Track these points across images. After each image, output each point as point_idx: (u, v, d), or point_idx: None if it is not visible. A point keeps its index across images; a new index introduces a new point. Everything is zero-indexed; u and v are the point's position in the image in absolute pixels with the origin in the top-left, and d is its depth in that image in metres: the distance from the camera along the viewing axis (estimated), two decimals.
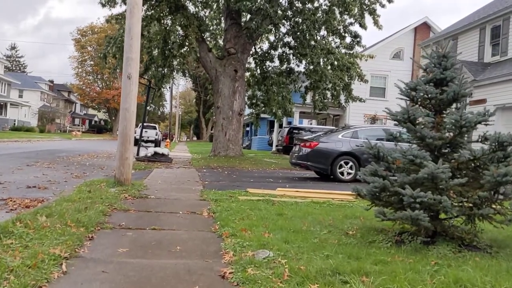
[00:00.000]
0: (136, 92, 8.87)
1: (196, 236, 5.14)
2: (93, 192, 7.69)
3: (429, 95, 5.05)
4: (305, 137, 13.43)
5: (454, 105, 5.29)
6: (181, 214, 6.48)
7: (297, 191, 9.18)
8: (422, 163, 4.77)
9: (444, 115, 5.23)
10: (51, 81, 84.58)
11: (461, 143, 5.08)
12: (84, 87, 75.48)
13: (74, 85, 79.22)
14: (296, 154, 12.74)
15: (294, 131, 25.35)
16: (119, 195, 7.65)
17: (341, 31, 18.57)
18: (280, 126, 32.47)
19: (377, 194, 5.15)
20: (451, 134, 5.13)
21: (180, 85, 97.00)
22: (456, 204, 4.80)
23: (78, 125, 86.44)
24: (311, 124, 36.06)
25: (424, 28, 29.54)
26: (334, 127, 26.43)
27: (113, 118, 77.01)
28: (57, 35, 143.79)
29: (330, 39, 19.16)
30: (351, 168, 12.00)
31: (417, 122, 5.07)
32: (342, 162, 11.98)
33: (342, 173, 11.99)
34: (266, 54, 20.44)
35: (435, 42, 23.03)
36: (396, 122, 5.76)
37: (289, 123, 32.86)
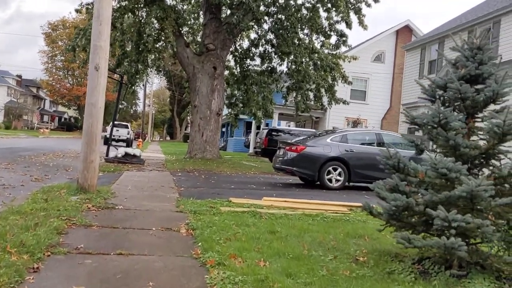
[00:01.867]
0: (105, 85, 7.76)
1: (174, 265, 4.10)
2: (51, 201, 6.55)
3: (463, 95, 4.14)
4: (290, 141, 12.48)
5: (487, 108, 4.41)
6: (155, 231, 5.42)
7: (285, 201, 8.21)
8: (457, 178, 3.84)
9: (478, 119, 4.33)
10: (19, 76, 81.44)
11: (498, 154, 4.19)
12: (54, 83, 72.92)
13: (44, 81, 76.48)
14: (280, 159, 11.78)
15: (273, 133, 24.37)
16: (81, 205, 6.53)
17: (327, 29, 17.71)
18: (258, 127, 31.51)
19: (396, 214, 4.21)
20: (485, 142, 4.24)
21: (154, 84, 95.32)
22: (495, 228, 3.90)
23: (47, 122, 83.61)
24: (289, 126, 35.23)
25: (406, 31, 29.03)
26: (314, 130, 25.63)
27: (83, 115, 74.45)
28: (28, 30, 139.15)
29: (314, 38, 18.31)
30: (339, 174, 11.11)
31: (448, 127, 4.13)
32: (330, 168, 11.07)
33: (330, 180, 11.09)
34: (247, 51, 19.42)
35: (420, 45, 22.48)
36: (413, 126, 4.81)
37: (267, 124, 31.97)
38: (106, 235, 5.03)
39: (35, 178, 10.70)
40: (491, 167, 4.20)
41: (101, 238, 4.87)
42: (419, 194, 4.23)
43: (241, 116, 23.63)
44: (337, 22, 17.54)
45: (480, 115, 4.38)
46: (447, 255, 3.82)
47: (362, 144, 11.75)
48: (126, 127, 40.29)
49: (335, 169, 11.11)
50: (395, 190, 4.19)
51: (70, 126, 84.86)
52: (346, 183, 11.25)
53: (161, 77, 79.91)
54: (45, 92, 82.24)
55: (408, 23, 28.93)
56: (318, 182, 11.29)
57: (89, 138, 7.59)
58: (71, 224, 5.33)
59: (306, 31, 17.76)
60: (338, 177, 11.12)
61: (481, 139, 4.31)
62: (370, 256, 4.69)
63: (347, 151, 11.22)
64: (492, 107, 4.33)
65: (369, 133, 12.48)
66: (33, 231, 4.54)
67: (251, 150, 31.06)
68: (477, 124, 4.39)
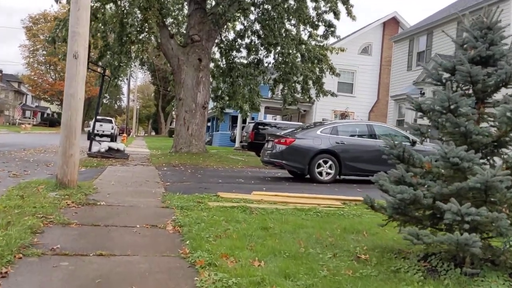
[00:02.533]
0: (84, 74, 7.31)
1: (160, 266, 3.73)
2: (27, 198, 6.11)
3: (473, 78, 3.82)
4: (279, 133, 12.12)
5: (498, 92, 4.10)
6: (139, 228, 5.03)
7: (276, 195, 7.86)
8: (469, 168, 3.52)
9: (489, 105, 4.02)
10: (0, 71, 79.76)
11: (510, 142, 3.88)
12: (35, 78, 71.48)
13: (25, 76, 74.94)
14: (269, 152, 11.42)
15: (260, 127, 24.00)
16: (60, 201, 6.10)
17: (314, 20, 17.34)
18: (244, 121, 31.11)
19: (402, 208, 3.88)
20: (497, 129, 3.93)
21: (139, 78, 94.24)
22: (510, 222, 3.59)
23: (29, 118, 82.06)
24: (275, 119, 34.89)
25: (393, 23, 28.83)
26: (301, 123, 25.32)
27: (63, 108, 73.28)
28: (9, 25, 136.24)
29: (301, 29, 17.92)
30: (330, 167, 10.79)
31: (458, 113, 3.80)
32: (321, 161, 10.74)
33: (320, 173, 10.76)
34: (234, 42, 18.95)
35: (408, 36, 22.27)
36: (420, 111, 4.46)
37: (252, 118, 31.60)
38: (86, 234, 4.63)
39: (13, 173, 10.19)
40: (503, 156, 3.89)
41: (80, 238, 4.47)
42: (425, 186, 3.91)
43: (227, 110, 23.21)
44: (325, 12, 17.19)
45: (489, 100, 4.07)
46: (459, 251, 3.51)
47: (353, 136, 11.45)
48: (110, 122, 39.56)
49: (325, 162, 10.79)
50: (401, 182, 3.86)
51: (53, 122, 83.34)
52: (337, 177, 10.94)
53: (145, 72, 78.99)
54: (26, 87, 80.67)
55: (395, 15, 28.74)
56: (308, 176, 10.97)
57: (68, 131, 7.14)
58: (48, 222, 4.91)
59: (293, 21, 17.35)
60: (329, 170, 10.81)
61: (491, 126, 4.00)
62: (371, 253, 4.36)
63: (338, 143, 10.91)
64: (503, 91, 4.02)
65: (360, 124, 12.18)
66: (4, 231, 4.13)
67: (237, 144, 30.67)
68: (487, 110, 4.07)
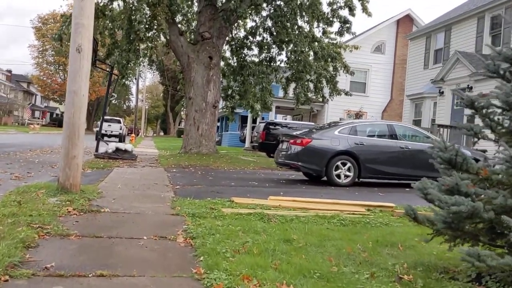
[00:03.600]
0: (89, 70, 6.77)
1: None
2: (24, 204, 5.58)
3: None
4: (295, 133, 11.53)
5: None
6: (146, 240, 4.47)
7: (294, 200, 7.27)
8: None
9: None
10: (9, 71, 79.81)
11: None
12: (45, 78, 71.43)
13: (34, 76, 74.92)
14: (284, 153, 10.83)
15: (271, 126, 23.43)
16: (60, 208, 5.57)
17: (329, 16, 16.71)
18: (254, 121, 30.54)
19: (455, 222, 3.28)
20: None
21: (147, 79, 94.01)
22: None
23: (38, 118, 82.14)
24: (285, 119, 34.28)
25: (407, 20, 28.11)
26: (314, 123, 24.69)
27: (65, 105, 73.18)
28: (20, 26, 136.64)
29: (314, 25, 17.29)
30: (349, 170, 10.19)
31: None
32: (339, 163, 10.14)
33: (338, 176, 10.17)
34: (245, 39, 18.36)
35: (425, 33, 21.58)
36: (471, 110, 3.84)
37: (262, 118, 31.04)
38: (86, 248, 4.07)
39: (16, 176, 9.72)
40: None
41: (80, 253, 3.92)
42: (483, 196, 3.31)
43: (236, 110, 22.69)
44: (340, 8, 16.57)
45: None
46: None
47: (373, 136, 10.85)
48: (119, 122, 39.21)
49: (344, 164, 10.19)
50: (454, 192, 3.26)
51: (61, 122, 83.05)
52: (356, 179, 10.34)
53: (154, 72, 78.79)
54: (36, 87, 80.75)
55: (409, 12, 28.01)
56: (326, 178, 10.38)
57: (71, 131, 6.61)
58: (44, 234, 4.37)
59: (306, 18, 16.72)
60: (348, 173, 10.21)
61: None
62: (414, 272, 3.77)
63: (357, 144, 10.30)
64: None
65: (380, 124, 11.55)
66: None
67: (247, 144, 30.10)
68: None
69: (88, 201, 6.33)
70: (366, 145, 10.33)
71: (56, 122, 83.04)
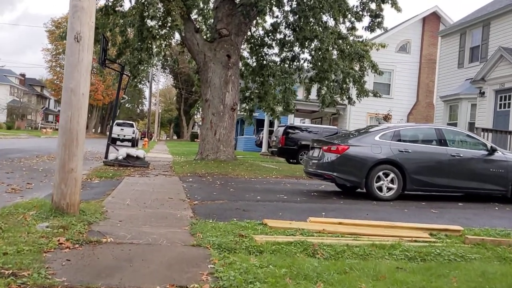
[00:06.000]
0: (90, 63, 5.53)
1: None
2: (5, 232, 4.38)
3: None
4: (329, 139, 10.18)
5: None
6: None
7: (340, 223, 5.93)
8: None
9: None
10: (23, 75, 79.57)
11: None
12: (58, 82, 70.94)
13: (48, 80, 74.54)
14: (315, 162, 9.48)
15: (290, 130, 22.12)
16: (50, 239, 4.32)
17: (358, 9, 15.35)
18: (271, 124, 29.25)
19: None
20: None
21: (161, 82, 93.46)
22: None
23: (52, 122, 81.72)
24: (303, 122, 32.92)
25: (433, 18, 26.62)
26: (336, 127, 23.32)
27: (89, 115, 72.96)
28: (35, 31, 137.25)
29: (340, 21, 15.92)
30: (392, 181, 8.81)
31: None
32: (380, 173, 8.77)
33: (380, 189, 8.80)
34: (267, 36, 17.02)
35: (459, 29, 20.10)
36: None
37: (280, 121, 29.71)
38: None
39: (12, 188, 8.56)
40: None
41: None
42: None
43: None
44: (370, 0, 15.21)
45: None
46: None
47: (419, 142, 9.47)
48: (132, 126, 38.17)
49: (386, 175, 8.82)
50: None
51: None
52: (400, 192, 8.96)
53: (167, 75, 78.02)
54: (49, 91, 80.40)
55: (436, 9, 26.52)
56: (364, 190, 9.02)
57: (67, 137, 5.37)
58: (18, 285, 3.11)
59: (332, 13, 15.36)
60: (391, 185, 8.83)
61: None
62: None
63: (401, 151, 8.92)
64: None
65: (426, 128, 10.10)
66: None
67: (263, 149, 28.81)
68: None
69: (87, 225, 5.09)
70: (412, 152, 8.95)
71: None
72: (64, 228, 4.75)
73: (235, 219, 6.04)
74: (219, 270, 3.75)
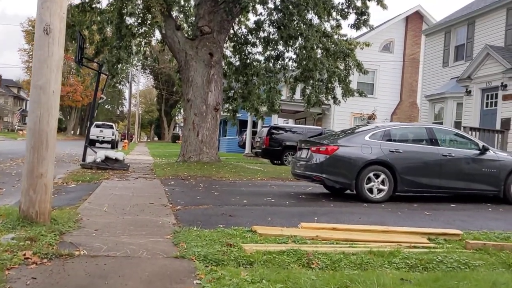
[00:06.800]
0: (61, 58, 5.05)
1: None
2: None
3: None
4: (317, 139, 9.81)
5: None
6: None
7: (333, 229, 5.56)
8: None
9: None
10: None
11: None
12: None
13: (25, 81, 72.83)
14: (303, 163, 9.10)
15: (274, 131, 21.73)
16: (15, 253, 3.85)
17: (344, 7, 15.05)
18: (254, 125, 28.84)
19: None
20: None
21: (141, 83, 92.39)
22: None
23: None
24: (287, 123, 32.58)
25: (416, 17, 26.54)
26: (321, 128, 23.02)
27: (68, 117, 71.67)
28: (13, 32, 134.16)
29: (325, 18, 15.59)
30: (383, 182, 8.49)
31: None
32: (371, 175, 8.43)
33: (370, 190, 8.46)
34: (251, 34, 16.58)
35: (443, 28, 19.98)
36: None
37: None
38: None
39: None
40: None
41: None
42: None
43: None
44: None
45: None
46: None
47: (409, 142, 9.17)
48: (111, 127, 37.38)
49: (377, 176, 8.49)
50: None
51: None
52: (391, 194, 8.63)
53: (147, 76, 77.01)
54: (26, 92, 78.63)
55: (419, 8, 26.43)
56: (355, 192, 8.67)
57: (36, 139, 4.88)
58: None
59: (316, 10, 15.00)
60: (381, 186, 8.51)
61: None
62: None
63: (392, 151, 8.60)
64: None
65: (417, 128, 9.77)
66: None
67: (247, 150, 28.40)
68: None
69: (59, 236, 4.62)
70: (402, 152, 8.63)
71: None
72: (32, 240, 4.26)
73: (221, 225, 5.62)
74: (206, 286, 3.33)
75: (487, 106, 15.92)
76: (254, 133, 27.69)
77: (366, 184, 8.47)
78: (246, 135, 30.42)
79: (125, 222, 5.71)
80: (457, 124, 16.76)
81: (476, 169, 8.91)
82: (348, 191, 9.27)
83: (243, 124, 31.57)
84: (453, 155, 8.84)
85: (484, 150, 9.04)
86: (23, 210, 4.88)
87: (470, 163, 8.94)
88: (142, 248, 4.44)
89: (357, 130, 9.44)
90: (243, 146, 31.32)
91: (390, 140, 8.85)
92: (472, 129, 14.00)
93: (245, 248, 4.51)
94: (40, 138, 4.88)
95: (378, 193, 8.51)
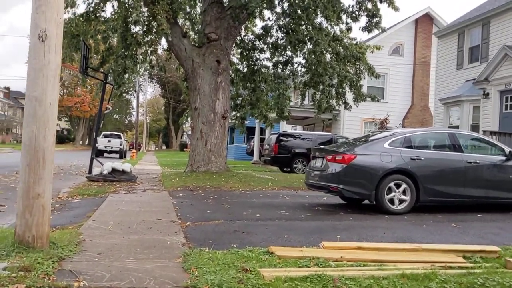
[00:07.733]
0: (58, 67, 4.64)
1: None
2: None
3: None
4: (332, 147, 9.33)
5: None
6: None
7: (359, 248, 5.07)
8: None
9: None
10: (7, 88, 78.11)
11: None
12: None
13: None
14: (318, 173, 8.63)
15: (283, 138, 21.26)
16: (7, 287, 3.41)
17: (354, 9, 14.59)
18: (262, 132, 28.40)
19: None
20: None
21: (148, 92, 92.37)
22: None
23: None
24: (295, 129, 32.10)
25: (426, 20, 26.03)
26: (331, 134, 22.53)
27: (76, 127, 71.71)
28: (22, 45, 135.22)
29: (334, 22, 15.15)
30: (404, 192, 7.99)
31: None
32: (391, 184, 7.94)
33: (391, 201, 7.97)
34: (259, 39, 16.15)
35: (457, 29, 19.46)
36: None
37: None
38: None
39: None
40: None
41: None
42: None
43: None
44: (366, 0, 14.46)
45: None
46: None
47: (431, 148, 8.67)
48: (119, 137, 37.10)
49: (398, 186, 7.99)
50: None
51: (62, 139, 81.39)
52: (413, 204, 8.12)
53: (154, 85, 76.95)
54: None
55: (429, 10, 25.92)
56: (374, 203, 8.18)
57: (32, 157, 4.46)
58: None
59: (326, 13, 14.55)
60: (403, 197, 8.01)
61: None
62: None
63: (413, 159, 8.10)
64: None
65: (438, 133, 9.27)
66: None
67: (255, 158, 27.96)
68: None
69: (57, 263, 4.19)
70: (424, 160, 8.13)
71: (56, 138, 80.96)
72: (27, 269, 3.82)
73: (234, 245, 5.17)
74: None
75: (506, 109, 15.35)
76: (261, 140, 27.27)
77: (387, 194, 7.98)
78: (254, 142, 30.00)
79: (131, 243, 5.27)
80: (474, 128, 16.20)
81: (503, 176, 8.38)
82: (365, 202, 8.78)
83: (250, 131, 31.14)
84: (478, 161, 8.32)
85: (511, 155, 8.52)
86: (19, 234, 4.45)
87: (497, 170, 8.41)
88: (149, 275, 3.99)
89: (374, 137, 8.95)
90: (251, 153, 30.90)
91: (410, 147, 8.35)
92: (492, 133, 13.46)
93: (263, 274, 4.04)
94: (36, 155, 4.47)
95: (399, 204, 8.01)
